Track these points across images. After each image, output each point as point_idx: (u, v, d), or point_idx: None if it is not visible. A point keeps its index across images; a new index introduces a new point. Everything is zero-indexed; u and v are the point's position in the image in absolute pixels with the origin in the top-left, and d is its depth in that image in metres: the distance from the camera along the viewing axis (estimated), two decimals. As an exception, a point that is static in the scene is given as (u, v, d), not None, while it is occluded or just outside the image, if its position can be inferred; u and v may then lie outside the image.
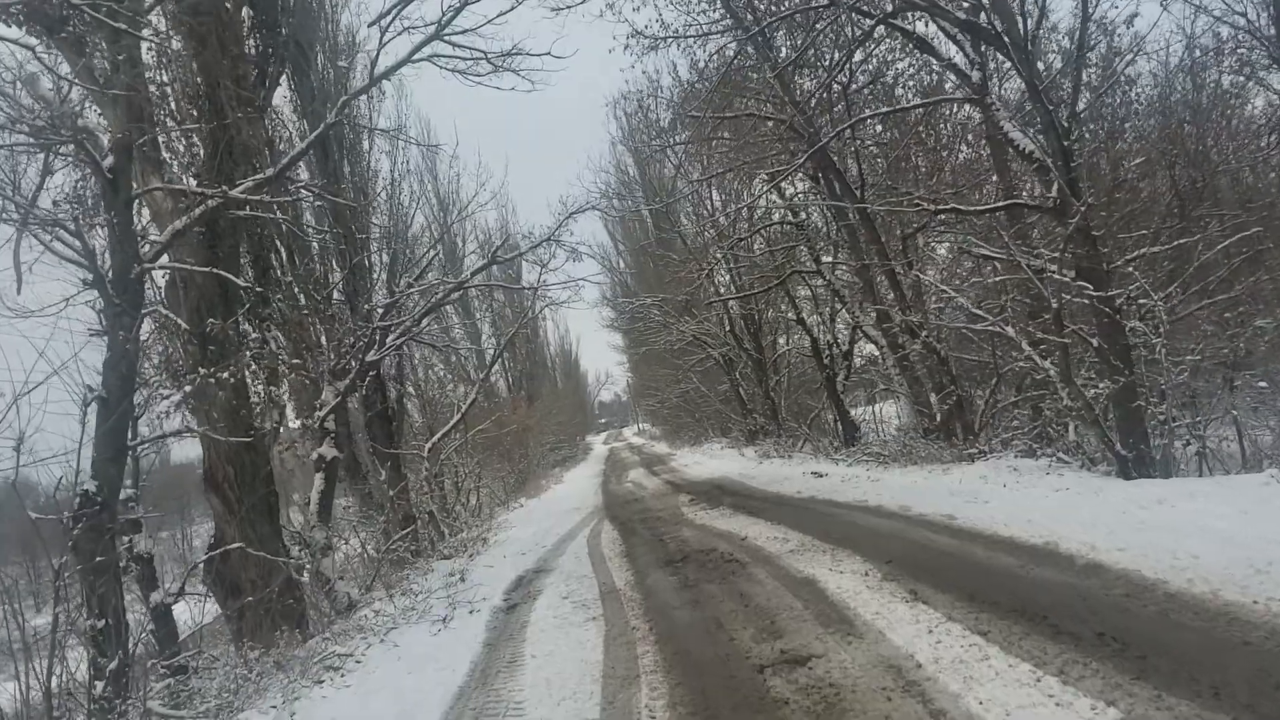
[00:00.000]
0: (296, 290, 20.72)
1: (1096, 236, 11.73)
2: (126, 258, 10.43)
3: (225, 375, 11.32)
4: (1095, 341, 11.52)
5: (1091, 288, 10.95)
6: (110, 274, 10.41)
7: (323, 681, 8.79)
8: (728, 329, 29.57)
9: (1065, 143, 11.98)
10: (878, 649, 5.90)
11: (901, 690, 5.19)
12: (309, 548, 14.97)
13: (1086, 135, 14.60)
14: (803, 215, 21.85)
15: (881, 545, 9.23)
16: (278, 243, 21.86)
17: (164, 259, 12.71)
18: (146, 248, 11.89)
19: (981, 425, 15.39)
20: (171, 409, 11.62)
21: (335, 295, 22.09)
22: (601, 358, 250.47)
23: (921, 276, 15.81)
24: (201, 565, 14.02)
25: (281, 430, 16.02)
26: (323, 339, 17.99)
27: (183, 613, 14.64)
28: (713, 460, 29.92)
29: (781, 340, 30.55)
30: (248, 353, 12.75)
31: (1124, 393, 11.34)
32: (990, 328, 13.76)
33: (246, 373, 14.44)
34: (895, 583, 7.51)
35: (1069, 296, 11.76)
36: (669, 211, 29.93)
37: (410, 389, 27.55)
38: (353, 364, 16.65)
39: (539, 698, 6.53)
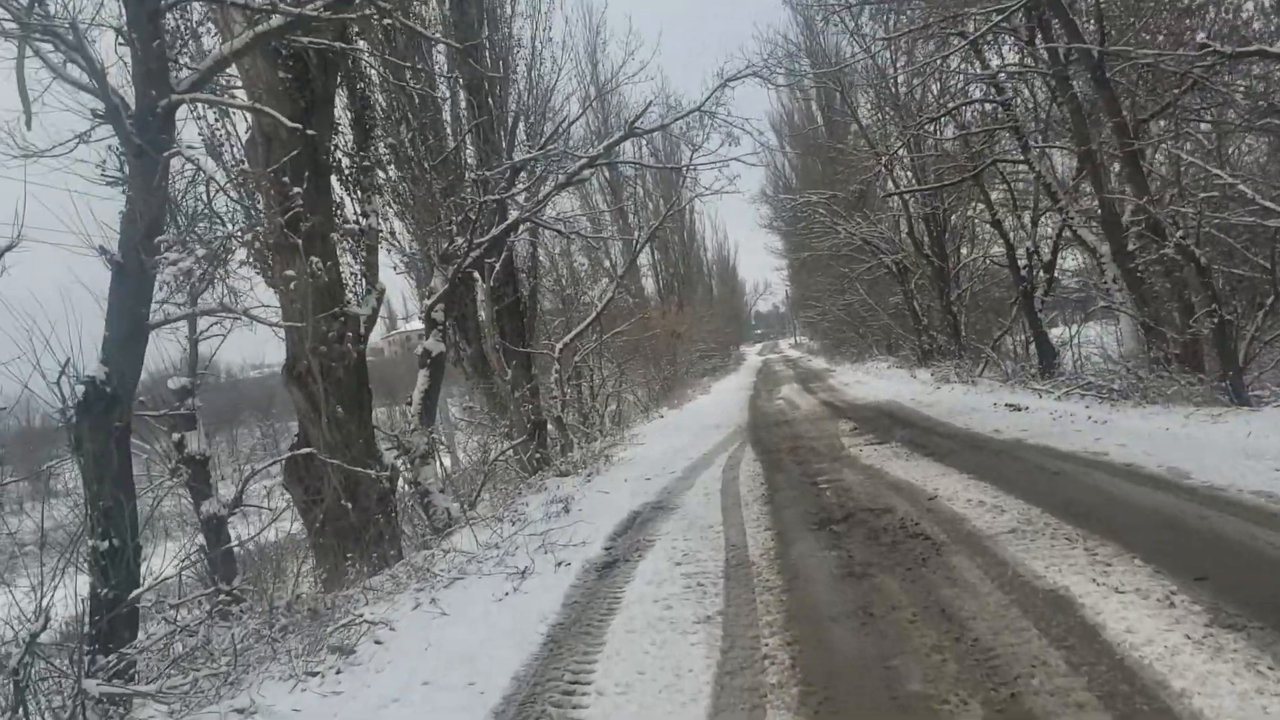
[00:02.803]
0: (426, 166, 17.97)
1: None
2: (151, 85, 7.80)
3: (254, 240, 8.56)
4: None
5: None
6: (132, 106, 7.87)
7: (316, 675, 6.03)
8: (905, 232, 25.58)
9: None
10: None
11: None
12: (407, 454, 12.47)
13: None
14: (1009, 92, 17.67)
15: (1165, 539, 5.76)
16: (409, 114, 19.22)
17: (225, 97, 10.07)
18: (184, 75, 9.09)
19: (1248, 358, 11.45)
20: (179, 277, 8.97)
21: (467, 175, 19.45)
22: (759, 267, 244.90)
23: (1184, 156, 11.73)
24: (282, 465, 11.76)
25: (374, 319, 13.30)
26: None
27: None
28: (878, 381, 26.26)
29: (964, 250, 26.37)
30: (308, 218, 9.94)
31: None
32: (1291, 226, 9.84)
33: (342, 251, 11.96)
34: (1244, 636, 4.09)
35: None
36: (843, 90, 25.79)
37: (547, 283, 24.87)
38: (464, 245, 13.78)
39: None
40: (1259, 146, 15.02)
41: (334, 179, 12.36)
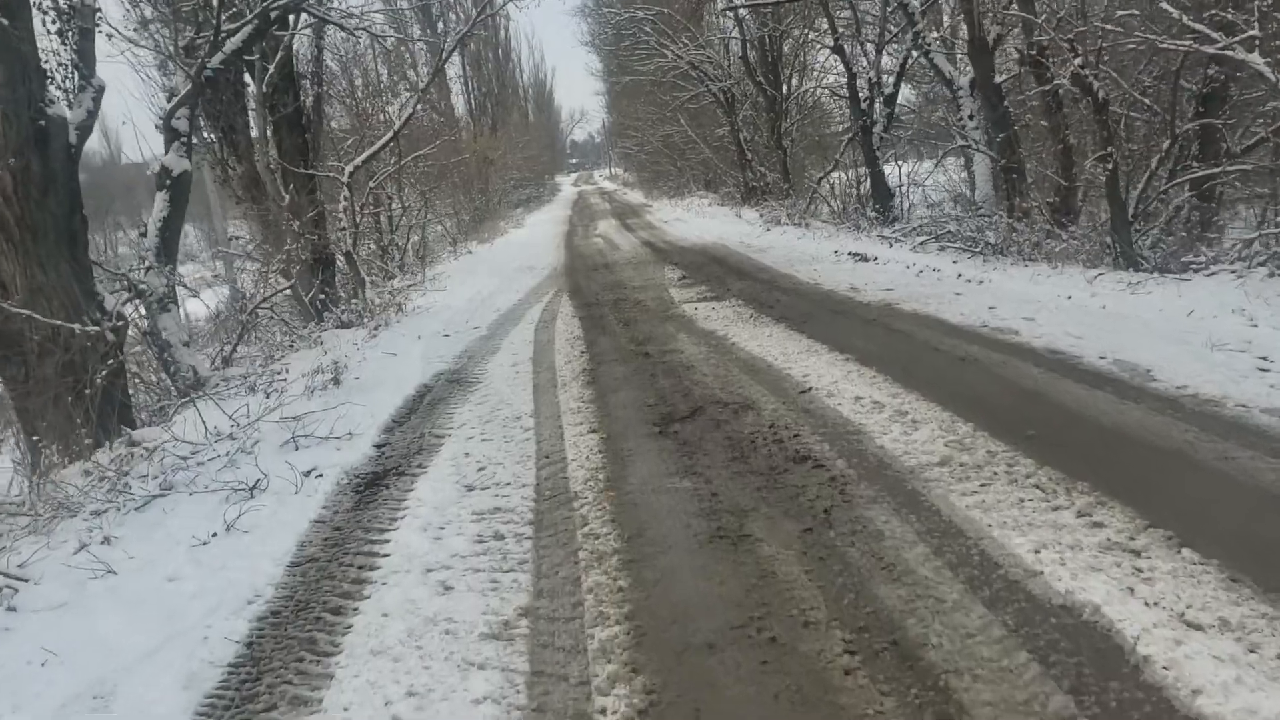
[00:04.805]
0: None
1: None
2: None
3: None
4: None
5: None
6: None
7: None
8: (738, 55, 23.08)
9: None
10: None
11: None
12: (141, 297, 9.55)
13: None
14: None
15: (1191, 496, 3.76)
16: None
17: None
18: None
19: (1137, 213, 9.77)
20: None
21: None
22: (577, 93, 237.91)
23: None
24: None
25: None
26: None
27: None
28: (701, 219, 24.08)
29: (796, 80, 24.15)
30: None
31: None
32: (1223, 50, 7.98)
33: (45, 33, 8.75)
34: None
35: None
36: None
37: (336, 92, 21.25)
38: (211, 34, 10.56)
39: None
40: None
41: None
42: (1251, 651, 2.69)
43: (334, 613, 3.89)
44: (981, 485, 4.15)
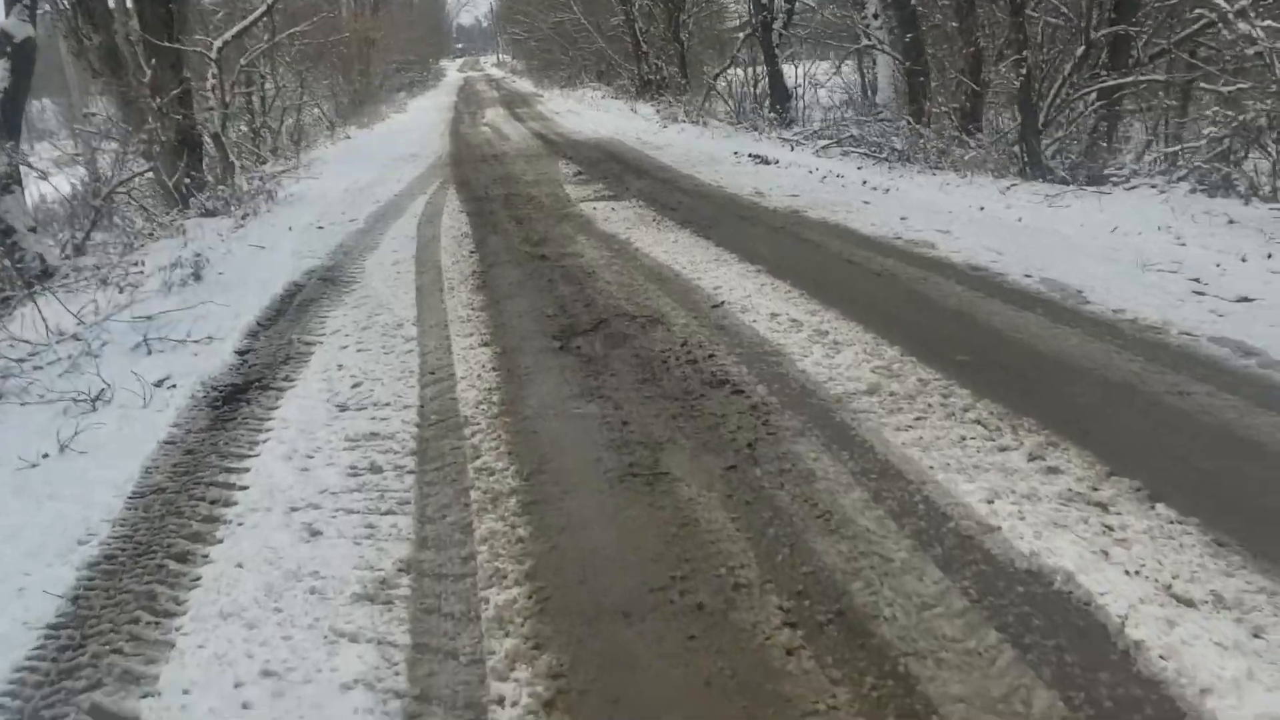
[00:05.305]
0: None
1: None
2: None
3: None
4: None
5: None
6: None
7: None
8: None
9: None
10: None
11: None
12: (-22, 180, 8.47)
13: None
14: None
15: (1145, 434, 3.42)
16: None
17: None
18: None
19: (1046, 121, 9.47)
20: None
21: None
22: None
23: None
24: None
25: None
26: None
27: None
28: (595, 112, 23.06)
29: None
30: None
31: None
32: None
33: None
34: None
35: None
36: None
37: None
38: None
39: None
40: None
41: None
42: (1257, 637, 2.33)
43: (179, 559, 3.27)
44: (916, 419, 3.74)
